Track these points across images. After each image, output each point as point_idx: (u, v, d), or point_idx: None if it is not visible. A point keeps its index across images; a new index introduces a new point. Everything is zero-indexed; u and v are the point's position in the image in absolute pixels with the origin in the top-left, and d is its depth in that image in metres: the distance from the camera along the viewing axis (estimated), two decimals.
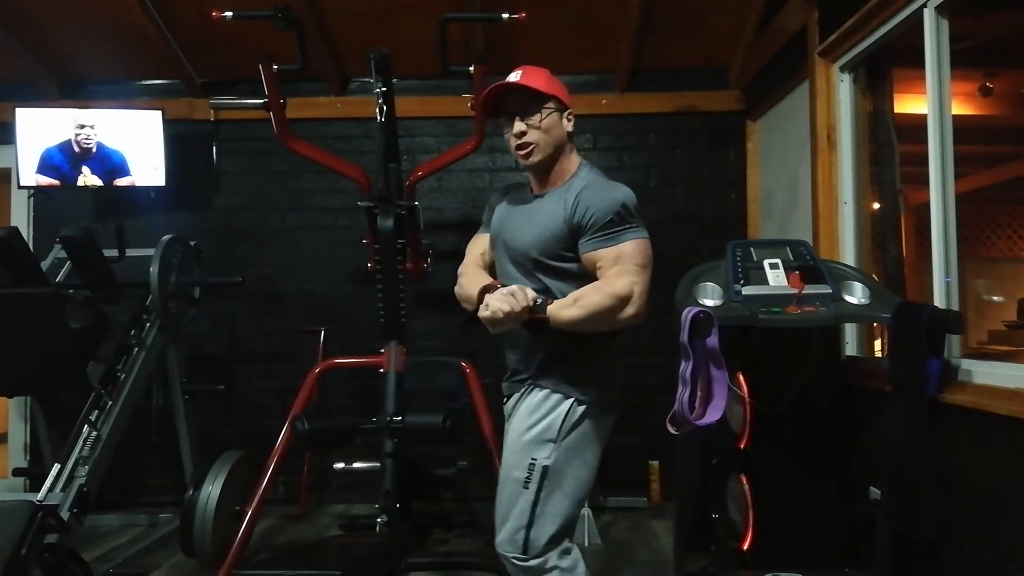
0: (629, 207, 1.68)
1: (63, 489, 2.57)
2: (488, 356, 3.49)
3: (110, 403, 2.88)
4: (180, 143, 4.08)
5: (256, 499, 2.87)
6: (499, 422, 2.04)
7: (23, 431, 4.07)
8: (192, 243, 3.59)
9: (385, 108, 2.93)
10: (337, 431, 2.81)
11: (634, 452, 3.83)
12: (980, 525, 2.01)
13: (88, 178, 3.88)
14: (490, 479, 2.12)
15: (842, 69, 3.00)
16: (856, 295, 2.31)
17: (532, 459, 1.70)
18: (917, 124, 2.43)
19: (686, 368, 1.93)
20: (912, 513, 2.11)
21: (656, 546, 3.28)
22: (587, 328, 1.65)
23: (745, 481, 2.62)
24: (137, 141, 3.90)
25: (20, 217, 4.17)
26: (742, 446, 2.61)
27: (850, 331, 2.94)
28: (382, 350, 2.97)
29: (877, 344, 2.97)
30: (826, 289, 2.30)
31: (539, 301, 1.65)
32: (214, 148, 4.19)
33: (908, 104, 2.99)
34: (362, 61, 3.04)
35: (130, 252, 3.39)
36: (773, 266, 2.41)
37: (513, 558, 1.71)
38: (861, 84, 2.99)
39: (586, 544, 3.22)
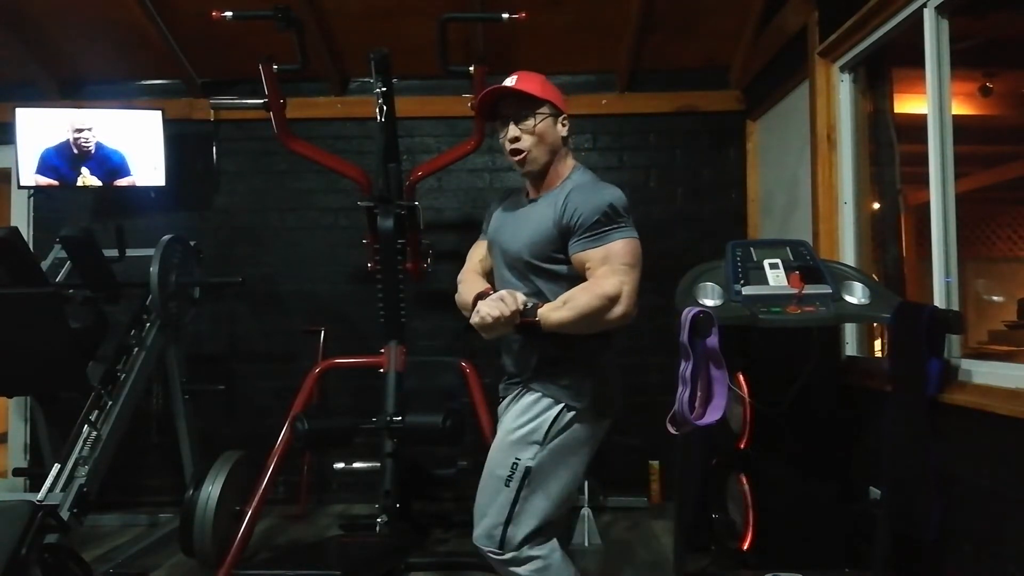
0: (617, 207, 1.68)
1: (63, 489, 2.57)
2: (488, 356, 3.48)
3: (110, 403, 2.88)
4: (180, 143, 4.08)
5: (256, 499, 2.87)
6: (498, 422, 2.04)
7: (23, 431, 4.07)
8: (192, 243, 3.59)
9: (385, 108, 2.93)
10: (337, 431, 2.81)
11: (634, 452, 3.83)
12: (980, 525, 2.02)
13: (87, 178, 3.88)
14: None
15: (842, 69, 3.00)
16: (856, 295, 2.31)
17: (516, 459, 1.73)
18: (917, 124, 2.43)
19: (686, 368, 1.93)
20: (912, 513, 2.11)
21: (656, 546, 3.27)
22: (578, 329, 1.66)
23: (745, 481, 2.63)
24: (137, 141, 3.90)
25: (20, 217, 4.17)
26: (742, 446, 2.61)
27: (850, 331, 2.95)
28: (382, 350, 2.97)
29: (877, 344, 2.97)
30: (826, 289, 2.31)
31: (529, 305, 1.66)
32: (214, 148, 4.19)
33: (908, 104, 3.00)
34: (362, 61, 3.04)
35: (130, 252, 3.39)
36: (773, 266, 2.41)
37: (489, 552, 1.75)
38: (861, 84, 2.99)
39: (586, 544, 3.23)
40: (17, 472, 3.82)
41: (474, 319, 1.65)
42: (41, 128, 3.85)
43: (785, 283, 2.34)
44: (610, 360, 1.81)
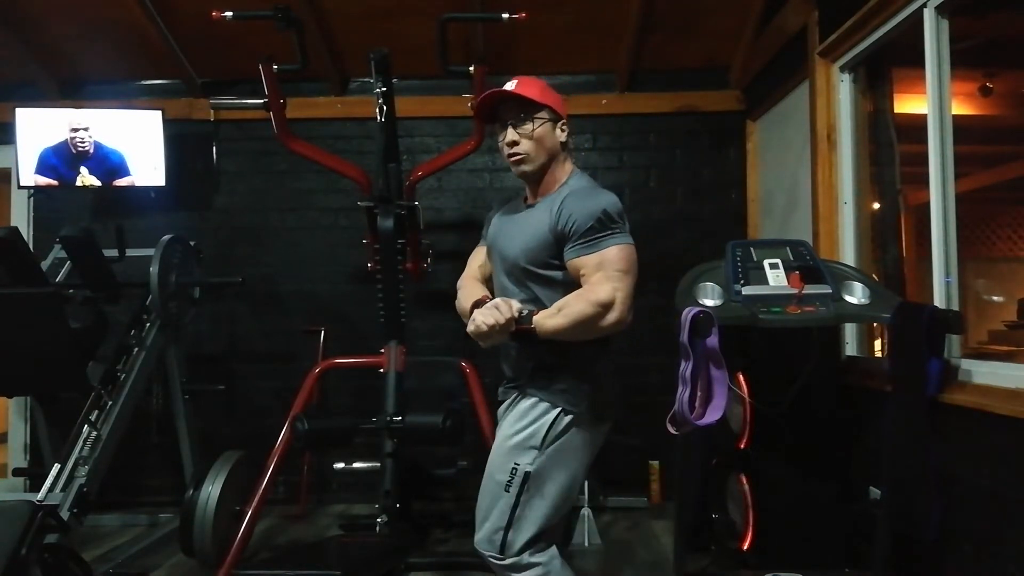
0: (611, 213, 1.68)
1: (63, 489, 2.57)
2: (488, 356, 3.45)
3: (110, 403, 2.87)
4: (180, 143, 4.08)
5: (256, 499, 2.87)
6: (497, 425, 2.04)
7: (23, 431, 4.07)
8: (192, 243, 3.58)
9: (385, 108, 2.93)
10: (337, 431, 2.81)
11: (634, 452, 3.83)
12: (980, 525, 2.02)
13: (86, 178, 3.88)
14: None
15: (842, 69, 3.00)
16: (856, 295, 2.31)
17: (515, 464, 1.73)
18: (917, 124, 2.43)
19: (686, 368, 1.93)
20: (912, 513, 2.11)
21: (656, 546, 3.27)
22: (573, 336, 1.66)
23: (745, 481, 2.63)
24: (137, 141, 3.90)
25: (20, 217, 4.17)
26: (742, 446, 2.61)
27: (850, 331, 2.94)
28: (382, 350, 2.97)
29: (877, 344, 2.97)
30: (826, 289, 2.31)
31: (524, 312, 1.67)
32: (214, 148, 4.19)
33: (908, 104, 3.00)
34: (362, 61, 3.04)
35: (130, 252, 3.39)
36: (773, 266, 2.41)
37: (490, 556, 1.75)
38: (861, 84, 2.99)
39: (586, 544, 3.23)
40: (17, 472, 3.82)
41: (470, 327, 1.67)
42: (41, 128, 3.85)
43: (785, 283, 2.34)
44: (606, 366, 1.81)
